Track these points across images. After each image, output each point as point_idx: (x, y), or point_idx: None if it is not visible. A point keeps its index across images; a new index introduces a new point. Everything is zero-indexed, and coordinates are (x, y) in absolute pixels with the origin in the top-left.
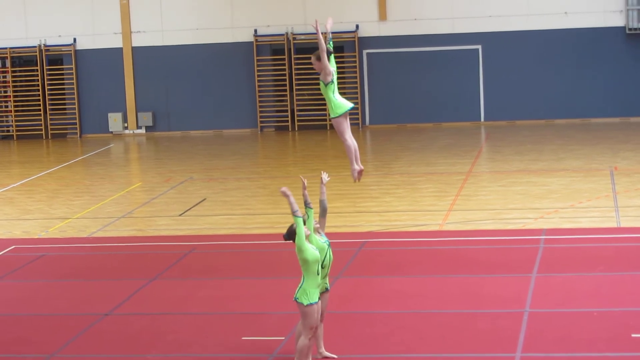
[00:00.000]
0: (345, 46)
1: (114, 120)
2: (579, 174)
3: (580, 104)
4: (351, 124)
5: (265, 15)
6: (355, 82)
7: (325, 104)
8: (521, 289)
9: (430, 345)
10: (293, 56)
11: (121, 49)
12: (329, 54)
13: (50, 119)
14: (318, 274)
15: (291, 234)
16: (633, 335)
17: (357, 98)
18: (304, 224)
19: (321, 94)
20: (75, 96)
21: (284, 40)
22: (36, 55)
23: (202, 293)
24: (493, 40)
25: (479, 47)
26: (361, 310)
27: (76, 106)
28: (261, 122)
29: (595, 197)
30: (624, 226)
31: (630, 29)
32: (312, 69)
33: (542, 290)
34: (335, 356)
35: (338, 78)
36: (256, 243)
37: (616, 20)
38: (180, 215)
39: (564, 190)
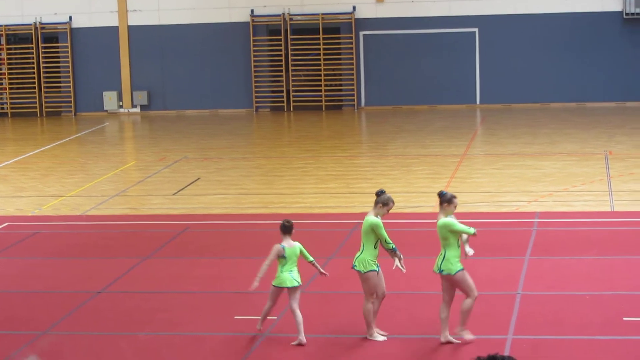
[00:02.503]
0: (342, 27)
1: (109, 99)
2: (573, 158)
3: (576, 88)
4: (346, 106)
5: None
6: (352, 64)
7: (320, 85)
8: (514, 272)
9: (423, 326)
10: (289, 37)
11: (117, 27)
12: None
13: (45, 97)
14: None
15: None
16: (625, 318)
17: (353, 80)
18: None
19: (316, 75)
20: (71, 74)
21: (280, 21)
22: (32, 33)
23: (195, 272)
24: (490, 24)
25: (476, 30)
26: (355, 291)
27: (71, 84)
28: (257, 102)
29: (589, 181)
30: (618, 210)
31: (627, 14)
32: (308, 49)
33: (534, 273)
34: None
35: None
36: (250, 223)
37: (613, 5)
38: (174, 194)
39: (558, 173)
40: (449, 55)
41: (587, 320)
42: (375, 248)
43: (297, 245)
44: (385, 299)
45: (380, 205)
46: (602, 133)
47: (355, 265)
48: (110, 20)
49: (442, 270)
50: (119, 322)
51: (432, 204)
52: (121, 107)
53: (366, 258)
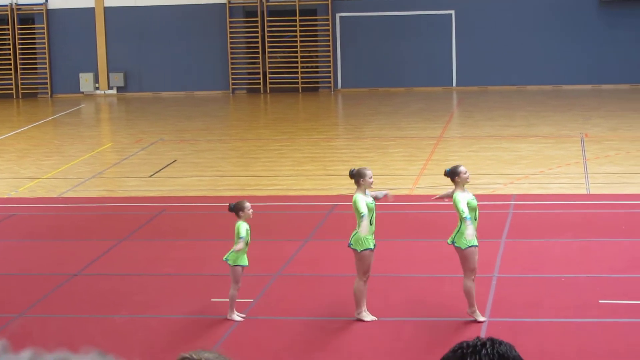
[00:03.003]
0: (319, 9)
1: (85, 81)
2: (549, 141)
3: (552, 71)
4: (323, 88)
5: None
6: (328, 46)
7: (296, 67)
8: (490, 254)
9: (398, 309)
10: (266, 18)
11: (93, 8)
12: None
13: (21, 79)
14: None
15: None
16: (600, 301)
17: (329, 62)
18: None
19: (293, 57)
20: (47, 56)
21: (257, 3)
22: (7, 14)
23: (171, 254)
24: (466, 6)
25: (452, 12)
26: (330, 274)
27: (47, 66)
28: (233, 84)
29: (565, 164)
30: (593, 193)
31: None
32: (284, 31)
33: (510, 256)
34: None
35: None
36: (226, 205)
37: None
38: (150, 176)
39: (534, 156)
40: (425, 38)
41: (563, 302)
42: (370, 224)
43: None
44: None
45: (361, 181)
46: (578, 116)
47: (351, 244)
48: (86, 1)
49: (455, 242)
50: (95, 304)
51: (408, 186)
52: (97, 88)
53: (361, 237)
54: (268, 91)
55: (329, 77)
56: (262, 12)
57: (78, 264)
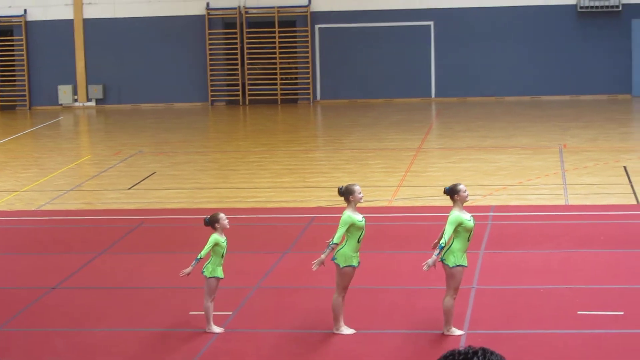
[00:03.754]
0: (298, 21)
1: (64, 93)
2: (528, 152)
3: (530, 82)
4: (302, 100)
5: None
6: (307, 58)
7: (276, 79)
8: (469, 266)
9: (378, 321)
10: (245, 30)
11: (72, 20)
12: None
13: (0, 91)
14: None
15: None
16: (579, 312)
17: (308, 73)
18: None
19: (272, 69)
20: (25, 68)
21: (236, 14)
22: None
23: (150, 267)
24: (445, 17)
25: (431, 23)
26: (309, 286)
27: (26, 78)
28: (212, 95)
29: (544, 175)
30: (572, 204)
31: (581, 7)
32: (263, 43)
33: (489, 267)
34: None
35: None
36: (203, 218)
37: None
38: (129, 188)
39: (513, 167)
40: (404, 49)
41: (541, 314)
42: (358, 242)
43: None
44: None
45: (350, 197)
46: (556, 126)
47: (336, 258)
48: (65, 13)
49: (443, 259)
50: (73, 317)
51: (387, 198)
52: (76, 100)
53: (347, 252)
54: (247, 103)
55: (308, 88)
56: (242, 24)
57: (56, 277)
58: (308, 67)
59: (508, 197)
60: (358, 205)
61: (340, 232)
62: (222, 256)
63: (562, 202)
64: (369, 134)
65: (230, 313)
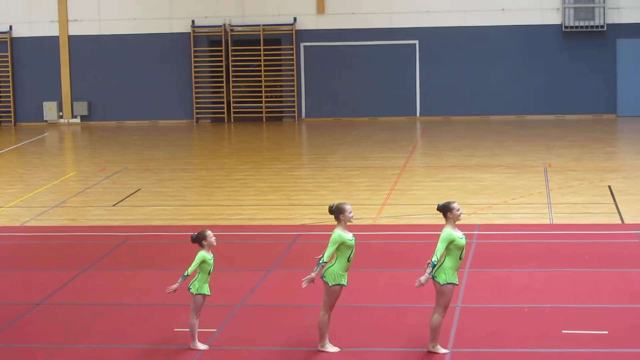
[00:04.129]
0: (283, 39)
1: (49, 109)
2: (513, 171)
3: (515, 101)
4: (287, 117)
5: (203, 7)
6: (292, 75)
7: (261, 96)
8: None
9: (361, 339)
10: (230, 48)
11: (58, 37)
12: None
13: None
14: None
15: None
16: (563, 331)
17: (293, 91)
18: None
19: (257, 87)
20: (10, 84)
21: (221, 32)
22: None
23: (134, 284)
24: (430, 36)
25: (416, 42)
26: (294, 303)
27: (11, 94)
28: (197, 113)
29: (528, 194)
30: (557, 223)
31: (566, 27)
32: (249, 61)
33: (474, 286)
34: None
35: (275, 71)
36: (190, 234)
37: (553, 18)
38: (114, 205)
39: (498, 186)
40: (389, 67)
41: (526, 333)
42: (348, 261)
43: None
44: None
45: (340, 216)
46: (541, 146)
47: (324, 276)
48: (50, 30)
49: (434, 277)
50: (58, 334)
51: (372, 216)
52: (61, 117)
53: (337, 271)
54: (232, 120)
55: (293, 106)
56: (227, 42)
57: (40, 294)
58: (293, 85)
59: (493, 216)
60: (348, 224)
61: (329, 250)
62: (209, 273)
63: (546, 221)
64: (354, 152)
65: (215, 330)
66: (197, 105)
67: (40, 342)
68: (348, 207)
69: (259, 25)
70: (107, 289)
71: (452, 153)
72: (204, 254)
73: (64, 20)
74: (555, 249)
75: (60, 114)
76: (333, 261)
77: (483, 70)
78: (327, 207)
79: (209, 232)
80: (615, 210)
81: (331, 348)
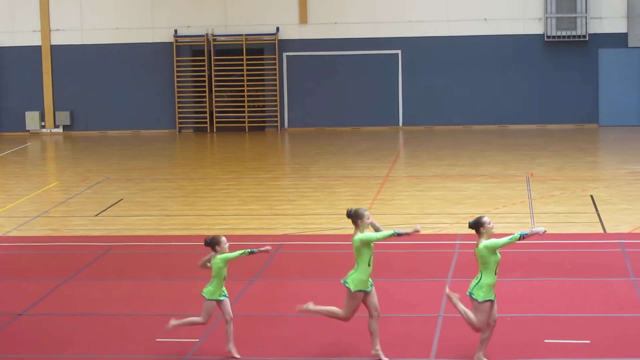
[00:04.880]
0: (266, 49)
1: (31, 119)
2: (495, 180)
3: (498, 111)
4: (270, 127)
5: (185, 16)
6: (275, 85)
7: (243, 106)
8: (436, 294)
9: (344, 348)
10: (213, 57)
11: (40, 47)
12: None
13: None
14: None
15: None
16: (546, 340)
17: (276, 101)
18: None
19: (240, 96)
20: None
21: (204, 42)
22: None
23: (117, 294)
24: (413, 45)
25: (399, 52)
26: (277, 313)
27: None
28: (180, 123)
29: (511, 203)
30: None
31: (548, 37)
32: (231, 70)
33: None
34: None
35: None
36: (172, 244)
37: (535, 28)
38: (96, 215)
39: (480, 195)
40: (372, 77)
41: (508, 342)
42: (369, 266)
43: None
44: (304, 322)
45: (359, 222)
46: (523, 155)
47: (347, 282)
48: (33, 39)
49: (472, 294)
50: (40, 344)
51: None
52: (43, 127)
53: (360, 277)
54: (215, 130)
55: (276, 116)
56: (209, 51)
57: (23, 304)
58: (276, 95)
59: None
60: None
61: (375, 236)
62: (224, 278)
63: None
64: (337, 162)
65: (197, 340)
66: (179, 115)
67: (23, 353)
68: (367, 213)
69: (241, 35)
70: (89, 299)
71: (435, 163)
72: (221, 256)
73: (46, 30)
74: (537, 258)
75: (43, 123)
76: (355, 267)
77: (465, 80)
78: (345, 211)
79: (224, 239)
80: (597, 220)
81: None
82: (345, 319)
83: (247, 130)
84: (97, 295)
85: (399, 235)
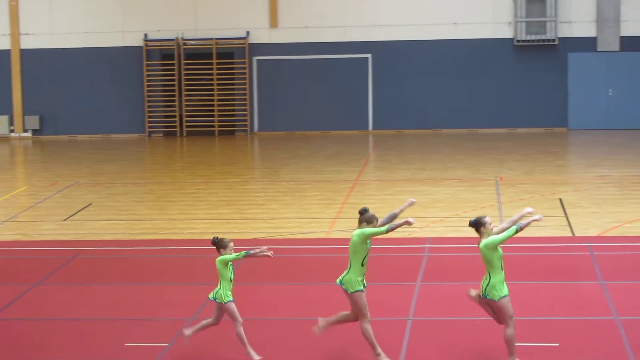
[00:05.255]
0: (236, 53)
1: (0, 123)
2: (464, 184)
3: (467, 115)
4: (239, 131)
5: (155, 20)
6: (245, 89)
7: (213, 110)
8: (405, 298)
9: (316, 352)
10: (182, 61)
11: (9, 51)
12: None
13: None
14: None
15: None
16: (515, 344)
17: (246, 105)
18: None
19: (210, 100)
20: None
21: (174, 46)
22: None
23: (86, 299)
24: (383, 50)
25: (369, 55)
26: (245, 317)
27: None
28: (149, 127)
29: (480, 207)
30: None
31: (518, 41)
32: (201, 74)
33: (425, 299)
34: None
35: (228, 85)
36: (142, 249)
37: (505, 32)
38: (65, 219)
39: (449, 199)
40: (342, 81)
41: (478, 345)
42: (362, 266)
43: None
44: (276, 326)
45: (365, 223)
46: (493, 159)
47: (342, 284)
48: (2, 43)
49: (487, 295)
50: (8, 350)
51: (324, 230)
52: (12, 131)
53: (352, 278)
54: (184, 134)
55: (246, 120)
56: (179, 55)
57: None
58: (245, 99)
59: (445, 229)
60: None
61: (375, 230)
62: (231, 280)
63: None
64: (306, 166)
65: (166, 345)
66: (149, 119)
67: None
68: (376, 223)
69: (211, 39)
70: (58, 304)
71: (404, 166)
72: (221, 257)
73: (15, 34)
74: (506, 261)
75: (12, 127)
76: (348, 269)
77: (435, 84)
78: (359, 209)
79: (231, 244)
80: (566, 223)
81: (384, 359)
82: (365, 318)
83: (217, 134)
84: (66, 300)
85: (392, 229)
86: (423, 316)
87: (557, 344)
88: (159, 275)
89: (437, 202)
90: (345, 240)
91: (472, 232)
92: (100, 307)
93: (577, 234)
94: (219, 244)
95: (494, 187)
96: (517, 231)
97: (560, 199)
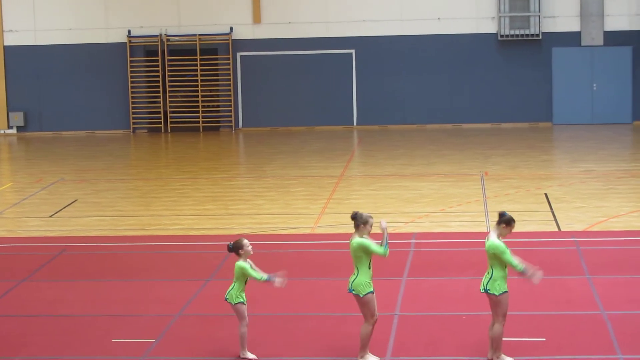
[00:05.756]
0: (219, 49)
1: None
2: (450, 179)
3: (452, 110)
4: (224, 127)
5: (139, 17)
6: (229, 85)
7: (197, 106)
8: (391, 293)
9: (299, 348)
10: (166, 58)
11: None
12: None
13: None
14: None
15: None
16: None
17: (230, 101)
18: None
19: (194, 97)
20: None
21: (157, 42)
22: None
23: (72, 295)
24: (367, 45)
25: (353, 51)
26: (232, 313)
27: None
28: (134, 123)
29: (465, 202)
30: None
31: (502, 36)
32: (185, 71)
33: (411, 294)
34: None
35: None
36: (127, 245)
37: (488, 27)
38: (50, 216)
39: (435, 194)
40: (326, 77)
41: (464, 340)
42: (369, 269)
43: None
44: (260, 322)
45: (362, 225)
46: (478, 154)
47: (353, 290)
48: None
49: (488, 290)
50: None
51: (310, 225)
52: None
53: (362, 281)
54: (169, 130)
55: (230, 116)
56: (163, 52)
57: None
58: (230, 95)
59: (430, 225)
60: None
61: (378, 248)
62: (246, 282)
63: (483, 229)
64: (291, 162)
65: (153, 341)
66: (133, 116)
67: None
68: (372, 220)
69: (195, 35)
70: (44, 301)
71: (389, 162)
72: (242, 264)
73: None
74: None
75: None
76: (355, 272)
77: (419, 79)
78: (351, 214)
79: (246, 242)
80: (552, 218)
81: (371, 358)
82: (372, 319)
83: (201, 130)
84: (52, 297)
85: (388, 245)
86: (410, 311)
87: (544, 339)
88: (145, 271)
89: (423, 197)
90: (331, 236)
91: (457, 227)
92: (87, 303)
93: (563, 229)
94: (236, 247)
95: (479, 182)
96: (518, 272)
97: (545, 194)
